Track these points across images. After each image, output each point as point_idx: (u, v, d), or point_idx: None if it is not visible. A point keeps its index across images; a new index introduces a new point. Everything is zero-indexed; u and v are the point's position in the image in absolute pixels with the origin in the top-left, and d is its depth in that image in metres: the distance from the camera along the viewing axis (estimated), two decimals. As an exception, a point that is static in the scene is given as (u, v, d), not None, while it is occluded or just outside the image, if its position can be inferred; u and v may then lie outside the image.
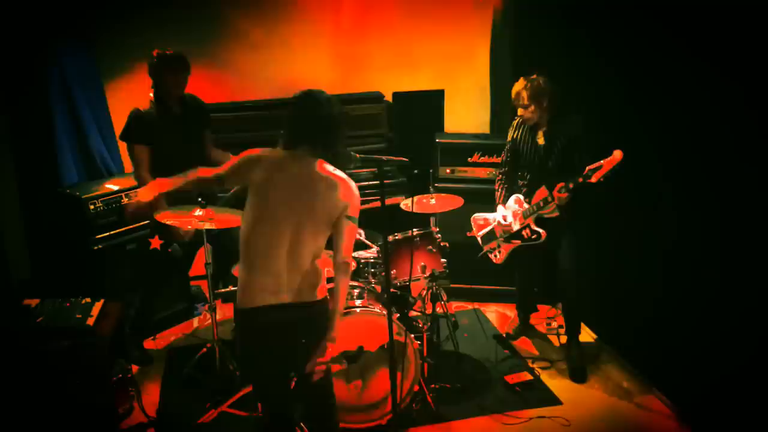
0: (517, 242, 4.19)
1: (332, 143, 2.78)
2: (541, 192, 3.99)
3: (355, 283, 3.79)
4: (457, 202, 4.22)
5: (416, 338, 3.67)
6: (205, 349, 4.03)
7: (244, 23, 5.42)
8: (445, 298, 4.42)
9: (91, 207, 4.34)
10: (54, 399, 3.38)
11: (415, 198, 4.15)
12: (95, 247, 4.35)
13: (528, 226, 4.10)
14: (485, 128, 5.96)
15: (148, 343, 4.47)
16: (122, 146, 5.08)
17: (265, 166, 2.71)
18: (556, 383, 4.00)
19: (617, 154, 3.66)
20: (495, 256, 4.35)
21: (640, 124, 3.95)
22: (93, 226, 4.35)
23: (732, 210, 3.32)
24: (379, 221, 4.36)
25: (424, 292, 4.15)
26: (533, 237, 4.08)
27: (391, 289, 3.99)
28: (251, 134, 4.97)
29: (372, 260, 3.97)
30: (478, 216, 4.41)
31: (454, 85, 5.79)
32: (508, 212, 4.19)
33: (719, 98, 3.32)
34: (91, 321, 3.46)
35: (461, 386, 3.92)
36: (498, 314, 4.94)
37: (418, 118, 5.58)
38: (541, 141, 4.04)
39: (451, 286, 4.92)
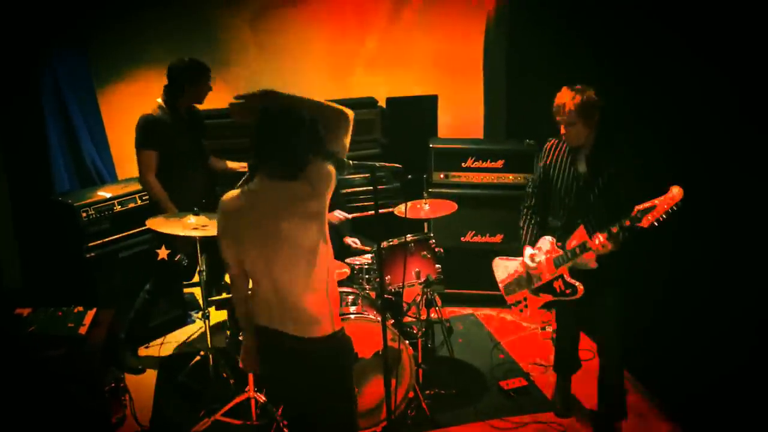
0: (548, 297, 3.42)
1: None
2: (579, 234, 3.20)
3: (349, 290, 3.78)
4: (451, 207, 4.22)
5: (411, 344, 3.66)
6: (198, 357, 4.02)
7: (238, 30, 5.43)
8: (439, 303, 4.42)
9: (84, 215, 4.31)
10: (46, 408, 3.36)
11: (409, 203, 4.14)
12: (88, 255, 4.33)
13: (561, 277, 3.31)
14: (479, 133, 5.98)
15: (141, 351, 4.45)
16: (114, 153, 5.10)
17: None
18: (551, 388, 3.99)
19: (676, 192, 2.89)
20: (520, 311, 3.58)
21: (641, 128, 3.87)
22: (85, 234, 4.33)
23: (727, 216, 3.32)
24: (372, 227, 4.39)
25: (419, 297, 4.15)
26: (567, 291, 3.31)
27: (386, 295, 3.99)
28: (244, 141, 4.95)
29: (366, 266, 3.96)
30: (501, 261, 3.64)
31: (447, 91, 5.81)
32: (538, 254, 3.41)
33: (721, 99, 3.28)
34: (83, 330, 3.44)
35: (456, 392, 3.91)
36: (492, 319, 4.93)
37: (412, 123, 5.58)
38: (582, 168, 3.26)
39: (446, 291, 4.92)
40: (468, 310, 5.02)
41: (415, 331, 3.95)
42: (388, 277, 3.92)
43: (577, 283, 3.26)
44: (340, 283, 3.76)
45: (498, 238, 4.98)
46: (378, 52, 5.70)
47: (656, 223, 2.90)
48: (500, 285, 3.65)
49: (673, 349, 3.71)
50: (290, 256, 2.49)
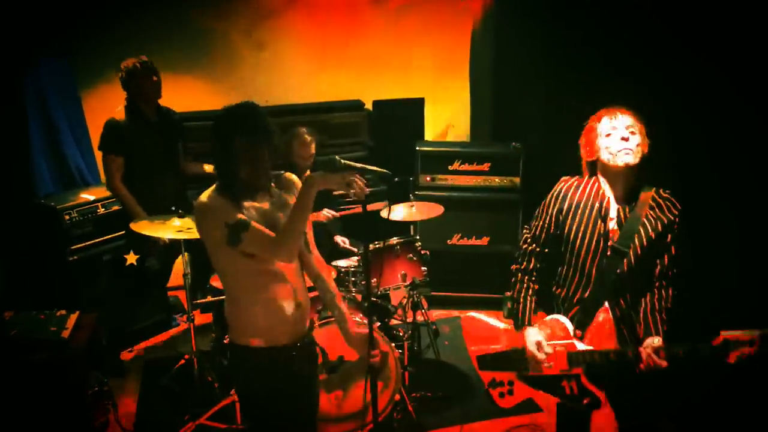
0: (547, 396, 2.57)
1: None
2: (606, 324, 2.42)
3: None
4: (437, 210, 4.22)
5: (397, 347, 3.65)
6: (183, 361, 3.99)
7: (223, 32, 5.41)
8: (425, 306, 4.42)
9: (67, 217, 4.27)
10: (29, 413, 3.31)
11: (396, 206, 4.15)
12: (71, 258, 4.29)
13: (576, 378, 2.43)
14: (465, 136, 6.00)
15: (125, 355, 4.41)
16: (99, 156, 5.05)
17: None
18: (536, 390, 3.99)
19: None
20: (500, 395, 2.68)
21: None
22: (68, 237, 4.29)
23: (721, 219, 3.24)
24: (360, 229, 4.38)
25: (405, 300, 4.14)
26: (584, 401, 2.43)
27: (372, 299, 3.98)
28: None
29: (352, 269, 3.95)
30: (476, 317, 2.83)
31: (434, 94, 5.82)
32: (542, 338, 2.51)
33: (722, 97, 3.20)
34: (66, 333, 3.40)
35: (442, 395, 3.91)
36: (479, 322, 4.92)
37: (399, 126, 5.59)
38: (611, 227, 2.46)
39: (432, 294, 4.92)
40: (454, 313, 5.01)
41: (401, 334, 3.94)
42: (374, 280, 3.91)
43: (599, 394, 2.40)
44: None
45: (484, 240, 4.99)
46: (365, 55, 5.70)
47: (744, 358, 2.14)
48: (471, 349, 2.79)
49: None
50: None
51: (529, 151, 4.89)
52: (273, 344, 2.45)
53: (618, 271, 2.42)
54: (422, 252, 4.05)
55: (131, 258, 4.12)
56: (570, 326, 2.50)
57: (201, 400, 3.67)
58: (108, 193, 4.44)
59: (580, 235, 2.47)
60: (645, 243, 2.41)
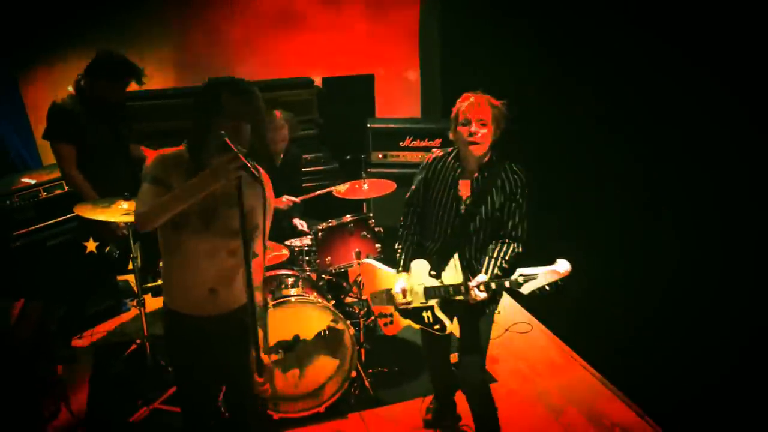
0: (414, 325, 3.14)
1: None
2: (454, 266, 2.94)
3: (290, 272, 3.75)
4: (389, 186, 4.22)
5: (353, 324, 3.66)
6: (134, 346, 3.93)
7: (166, 9, 5.27)
8: (380, 283, 4.43)
9: (7, 203, 4.12)
10: (-27, 405, 3.22)
11: (348, 184, 4.13)
12: (13, 245, 4.14)
13: (431, 309, 3.03)
14: (416, 112, 6.01)
15: (75, 342, 4.31)
16: (38, 138, 4.88)
17: None
18: (493, 361, 4.07)
19: (562, 267, 2.69)
20: (385, 324, 3.25)
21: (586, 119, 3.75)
22: (9, 223, 4.14)
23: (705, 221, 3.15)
24: (313, 208, 4.37)
25: (360, 277, 4.14)
26: (435, 327, 3.05)
27: (327, 276, 3.98)
28: (169, 123, 4.80)
29: (306, 248, 3.93)
30: (371, 264, 3.39)
31: (384, 70, 5.80)
32: (408, 283, 3.07)
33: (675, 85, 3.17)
34: (10, 322, 3.31)
35: (398, 370, 3.94)
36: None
37: (349, 103, 5.56)
38: (464, 193, 2.95)
39: (387, 270, 4.94)
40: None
41: (356, 311, 3.95)
42: (328, 258, 3.90)
43: (446, 319, 3.01)
44: (280, 265, 3.75)
45: (437, 216, 5.02)
46: (314, 31, 5.63)
47: (538, 293, 2.72)
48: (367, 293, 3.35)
49: (659, 358, 3.51)
50: None
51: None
52: (188, 312, 2.48)
53: (467, 231, 2.93)
54: (376, 229, 4.05)
55: (91, 245, 3.98)
56: (427, 268, 3.03)
57: (154, 385, 3.62)
58: (50, 177, 4.32)
59: (439, 199, 2.98)
60: (490, 210, 2.90)
